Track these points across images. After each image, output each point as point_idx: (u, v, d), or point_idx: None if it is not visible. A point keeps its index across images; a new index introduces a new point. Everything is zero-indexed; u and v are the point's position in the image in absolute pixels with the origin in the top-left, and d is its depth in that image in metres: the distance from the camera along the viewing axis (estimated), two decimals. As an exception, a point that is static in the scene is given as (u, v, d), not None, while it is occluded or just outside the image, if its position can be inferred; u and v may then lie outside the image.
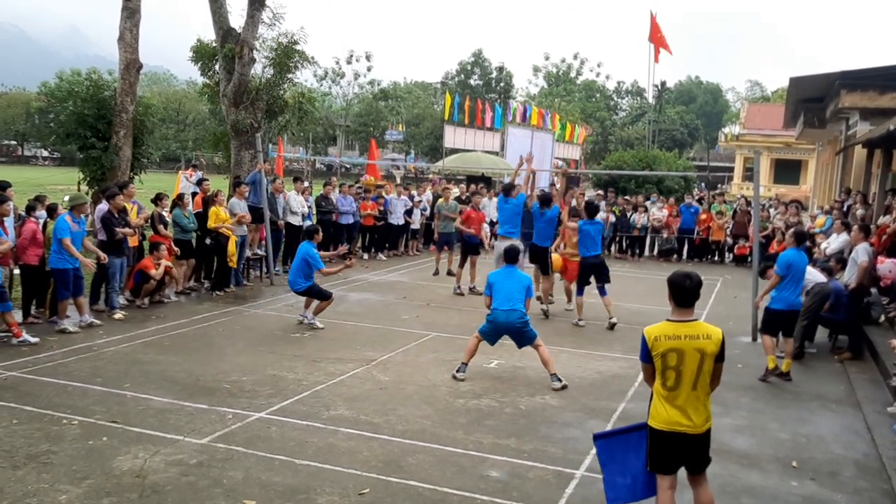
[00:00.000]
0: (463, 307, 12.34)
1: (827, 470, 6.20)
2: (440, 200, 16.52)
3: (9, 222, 9.76)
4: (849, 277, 10.20)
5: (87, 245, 10.12)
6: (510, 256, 8.49)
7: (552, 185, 24.11)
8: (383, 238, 18.26)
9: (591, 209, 11.82)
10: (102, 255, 10.30)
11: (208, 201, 12.83)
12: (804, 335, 9.89)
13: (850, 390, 8.53)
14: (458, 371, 8.32)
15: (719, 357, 4.46)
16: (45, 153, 77.54)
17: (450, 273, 14.89)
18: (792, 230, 9.68)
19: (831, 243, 12.28)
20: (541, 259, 12.04)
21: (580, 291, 11.50)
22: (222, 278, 12.68)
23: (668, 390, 4.44)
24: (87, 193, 13.53)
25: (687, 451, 4.49)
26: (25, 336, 8.87)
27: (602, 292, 11.40)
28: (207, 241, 12.51)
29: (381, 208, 17.81)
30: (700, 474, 4.61)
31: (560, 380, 8.11)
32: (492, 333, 8.35)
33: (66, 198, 15.62)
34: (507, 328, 8.20)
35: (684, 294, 4.47)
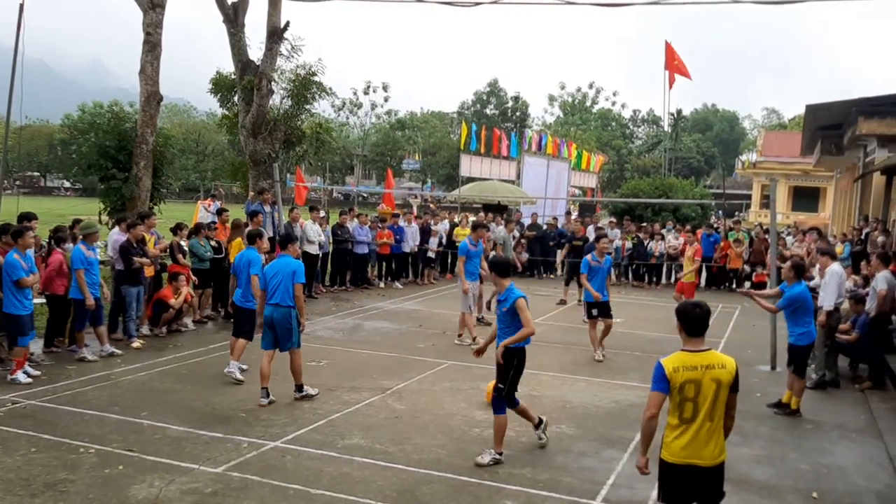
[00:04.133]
0: (478, 336, 12.26)
1: (848, 501, 6.10)
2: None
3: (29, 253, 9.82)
4: (869, 306, 10.09)
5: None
6: (284, 242, 8.23)
7: (567, 213, 24.16)
8: (400, 266, 18.34)
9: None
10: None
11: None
12: (827, 363, 9.78)
13: (871, 420, 8.41)
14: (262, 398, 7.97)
15: (734, 387, 4.40)
16: (68, 184, 78.76)
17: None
18: (789, 262, 9.07)
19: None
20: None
21: None
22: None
23: (683, 422, 4.36)
24: (106, 224, 13.70)
25: (700, 485, 4.40)
26: (18, 375, 8.52)
27: None
28: (226, 265, 12.54)
29: (397, 237, 17.90)
30: None
31: (304, 391, 8.16)
32: (264, 336, 8.05)
33: None
34: (275, 325, 7.97)
35: (694, 323, 4.42)
